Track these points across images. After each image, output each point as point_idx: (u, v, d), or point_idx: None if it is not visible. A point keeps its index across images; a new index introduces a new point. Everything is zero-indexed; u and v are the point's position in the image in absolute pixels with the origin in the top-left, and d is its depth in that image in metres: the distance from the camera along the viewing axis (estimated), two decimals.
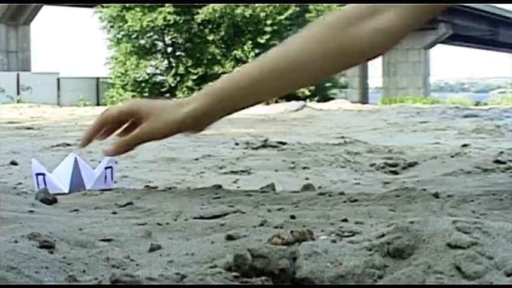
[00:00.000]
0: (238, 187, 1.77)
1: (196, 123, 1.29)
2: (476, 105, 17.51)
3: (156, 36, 22.83)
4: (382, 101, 26.47)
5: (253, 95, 1.27)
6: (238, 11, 21.13)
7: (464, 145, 3.12)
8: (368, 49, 1.19)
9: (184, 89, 21.63)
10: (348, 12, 1.21)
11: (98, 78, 23.90)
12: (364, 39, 1.17)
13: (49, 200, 1.30)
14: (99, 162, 1.66)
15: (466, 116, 8.23)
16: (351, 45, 1.18)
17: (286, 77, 1.22)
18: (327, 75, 1.25)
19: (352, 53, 1.19)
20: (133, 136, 1.31)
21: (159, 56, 23.19)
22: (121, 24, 21.66)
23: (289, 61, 1.21)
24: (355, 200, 1.30)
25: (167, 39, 23.00)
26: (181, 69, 21.87)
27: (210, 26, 22.03)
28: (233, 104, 1.27)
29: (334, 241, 0.72)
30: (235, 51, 21.52)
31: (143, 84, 22.55)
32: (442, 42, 36.23)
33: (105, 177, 1.59)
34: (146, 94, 21.99)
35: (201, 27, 22.29)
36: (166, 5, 21.19)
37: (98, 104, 21.04)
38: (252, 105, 1.28)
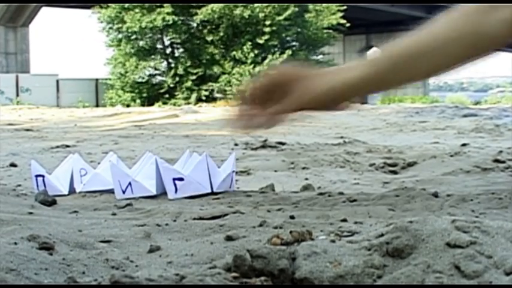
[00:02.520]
0: (237, 187, 1.77)
1: (354, 93, 1.21)
2: (476, 104, 17.51)
3: (155, 37, 22.83)
4: (381, 100, 26.48)
5: (408, 72, 1.22)
6: (237, 11, 21.14)
7: (464, 144, 3.12)
8: (499, 37, 1.22)
9: (184, 89, 21.64)
10: (476, 4, 1.23)
11: (97, 80, 23.91)
12: (496, 27, 1.20)
13: (48, 201, 1.30)
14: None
15: (465, 116, 8.22)
16: (485, 32, 1.20)
17: (437, 56, 1.21)
18: (461, 62, 1.25)
19: (486, 39, 1.21)
20: (285, 106, 1.21)
21: (158, 56, 23.20)
22: (120, 25, 21.67)
23: (437, 42, 1.21)
24: (355, 200, 1.30)
25: (166, 40, 23.01)
26: (180, 70, 21.88)
27: (209, 27, 22.03)
28: (394, 78, 1.22)
29: (333, 241, 0.72)
30: (234, 52, 21.52)
31: (142, 85, 22.56)
32: None
33: (231, 181, 1.52)
34: (145, 95, 22.00)
35: (200, 28, 22.30)
36: (165, 5, 21.20)
37: (97, 105, 21.04)
38: (399, 86, 1.26)
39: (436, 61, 1.24)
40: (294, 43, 23.28)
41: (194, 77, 21.75)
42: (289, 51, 21.57)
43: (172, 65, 22.59)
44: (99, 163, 1.70)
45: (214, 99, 21.62)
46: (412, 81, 1.26)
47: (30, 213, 1.15)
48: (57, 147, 3.44)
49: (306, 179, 1.91)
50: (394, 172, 2.16)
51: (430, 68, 1.25)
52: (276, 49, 22.27)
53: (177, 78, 21.98)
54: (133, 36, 22.20)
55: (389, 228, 0.70)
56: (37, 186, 1.52)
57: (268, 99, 1.22)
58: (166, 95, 22.13)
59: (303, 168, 2.21)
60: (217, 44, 22.08)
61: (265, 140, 3.54)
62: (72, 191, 1.53)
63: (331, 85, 1.18)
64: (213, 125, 6.45)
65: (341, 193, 1.42)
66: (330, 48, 27.76)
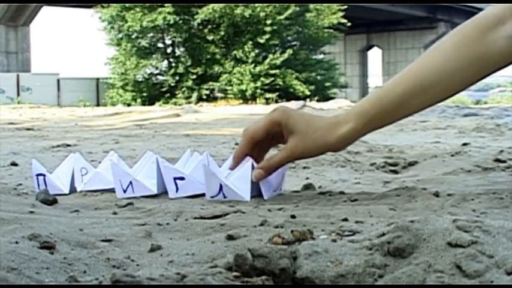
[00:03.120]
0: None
1: (345, 145, 1.27)
2: (476, 104, 17.51)
3: (156, 37, 22.84)
4: None
5: (400, 113, 1.25)
6: (238, 11, 21.15)
7: (465, 144, 3.12)
8: (510, 54, 1.20)
9: (184, 88, 21.65)
10: (479, 20, 1.22)
11: (97, 79, 23.94)
12: (503, 44, 1.18)
13: (49, 200, 1.30)
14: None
15: (466, 115, 8.22)
16: (491, 52, 1.19)
17: (432, 91, 1.21)
18: (470, 85, 1.24)
19: (493, 58, 1.20)
20: (279, 159, 1.28)
21: (159, 56, 23.21)
22: (121, 24, 21.68)
23: (432, 75, 1.21)
24: (356, 200, 1.30)
25: (167, 39, 23.02)
26: (181, 69, 21.89)
27: (209, 26, 22.05)
28: (381, 123, 1.26)
29: (334, 240, 0.72)
30: (235, 51, 21.53)
31: (143, 84, 22.58)
32: None
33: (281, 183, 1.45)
34: (146, 94, 22.00)
35: (201, 27, 22.31)
36: (166, 5, 21.21)
37: (98, 105, 21.05)
38: (390, 124, 1.28)
39: (440, 92, 1.25)
40: (294, 42, 23.29)
41: (195, 76, 21.77)
42: (290, 51, 21.57)
43: (173, 64, 22.62)
44: (100, 162, 1.70)
45: (215, 99, 21.64)
46: (409, 116, 1.27)
47: (31, 212, 1.15)
48: (58, 146, 3.44)
49: (307, 178, 1.91)
50: (395, 171, 2.15)
51: (433, 100, 1.26)
52: (276, 48, 22.29)
53: (178, 78, 22.01)
54: (134, 36, 22.22)
55: (390, 228, 0.70)
56: (38, 185, 1.52)
57: (261, 146, 1.32)
58: (167, 94, 22.16)
59: (304, 167, 2.21)
60: (218, 43, 22.10)
61: None
62: (73, 190, 1.53)
63: (323, 141, 1.24)
64: (214, 124, 6.45)
65: (342, 192, 1.42)
66: (331, 48, 27.78)
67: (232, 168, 1.34)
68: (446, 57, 1.21)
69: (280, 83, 21.21)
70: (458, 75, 1.21)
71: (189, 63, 21.71)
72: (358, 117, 1.24)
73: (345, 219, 1.03)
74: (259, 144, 1.34)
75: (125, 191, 1.42)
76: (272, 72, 21.08)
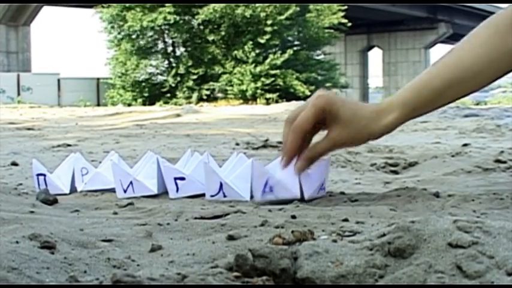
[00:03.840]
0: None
1: (386, 134, 1.27)
2: (477, 104, 17.49)
3: (156, 37, 22.84)
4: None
5: (437, 103, 1.27)
6: (239, 11, 21.15)
7: (465, 144, 3.12)
8: None
9: (185, 88, 21.65)
10: (509, 13, 1.24)
11: (98, 79, 23.94)
12: None
13: (50, 200, 1.30)
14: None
15: (466, 116, 8.21)
16: None
17: (469, 82, 1.24)
18: (497, 78, 1.26)
19: None
20: (322, 148, 1.25)
21: (159, 56, 23.22)
22: (121, 24, 21.68)
23: (471, 66, 1.23)
24: (356, 200, 1.30)
25: (167, 39, 23.02)
26: (181, 69, 21.89)
27: (210, 26, 22.05)
28: (420, 112, 1.28)
29: (335, 241, 0.72)
30: (235, 52, 21.53)
31: (143, 84, 22.58)
32: (443, 42, 36.23)
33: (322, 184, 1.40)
34: (146, 94, 22.00)
35: (202, 27, 22.31)
36: (167, 5, 21.20)
37: (98, 105, 21.06)
38: (427, 113, 1.31)
39: (477, 83, 1.28)
40: (295, 43, 23.28)
41: (195, 77, 21.77)
42: (290, 51, 21.57)
43: (174, 65, 22.62)
44: (100, 162, 1.70)
45: (216, 99, 21.64)
46: (444, 105, 1.30)
47: (32, 212, 1.15)
48: (59, 146, 3.44)
49: None
50: (396, 172, 2.15)
51: (469, 91, 1.29)
52: (277, 48, 22.28)
53: (178, 78, 22.00)
54: (135, 36, 22.22)
55: (391, 228, 0.70)
56: (38, 185, 1.52)
57: (307, 137, 1.26)
58: (168, 95, 22.16)
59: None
60: (219, 43, 22.09)
61: (267, 140, 3.54)
62: (73, 190, 1.53)
63: (367, 130, 1.24)
64: (214, 124, 6.45)
65: (342, 193, 1.42)
66: (331, 48, 27.77)
67: (285, 166, 1.26)
68: (482, 49, 1.23)
69: (281, 83, 21.22)
70: (494, 66, 1.23)
71: (189, 64, 21.71)
72: (401, 106, 1.25)
73: (346, 220, 1.03)
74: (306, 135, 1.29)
75: (125, 191, 1.42)
76: (272, 72, 21.09)
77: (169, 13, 21.01)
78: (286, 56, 21.24)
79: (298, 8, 21.66)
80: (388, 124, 1.25)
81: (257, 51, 21.31)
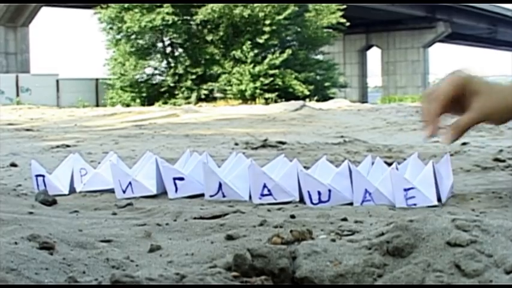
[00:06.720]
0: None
1: None
2: None
3: (155, 37, 22.82)
4: (382, 100, 26.47)
5: None
6: (237, 11, 21.13)
7: (464, 143, 3.12)
8: None
9: (184, 89, 21.64)
10: None
11: (97, 79, 23.90)
12: None
13: (49, 201, 1.30)
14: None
15: None
16: None
17: None
18: None
19: None
20: (468, 119, 1.24)
21: (158, 56, 23.19)
22: (120, 25, 21.65)
23: None
24: None
25: (166, 39, 23.00)
26: (180, 69, 21.87)
27: (208, 26, 22.03)
28: None
29: (333, 240, 0.72)
30: (234, 51, 21.51)
31: (142, 85, 22.55)
32: (441, 41, 36.25)
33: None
34: (145, 94, 21.99)
35: (200, 27, 22.29)
36: (165, 5, 21.18)
37: (97, 105, 21.03)
38: None
39: None
40: (293, 42, 23.27)
41: (194, 77, 21.75)
42: (289, 51, 21.56)
43: (172, 65, 22.60)
44: (99, 163, 1.70)
45: (214, 99, 21.62)
46: None
47: (31, 213, 1.15)
48: (58, 147, 3.44)
49: None
50: None
51: None
52: (275, 48, 22.27)
53: (177, 78, 21.99)
54: (133, 36, 22.19)
55: (389, 227, 0.70)
56: (37, 186, 1.52)
57: (446, 109, 1.25)
58: (166, 95, 22.14)
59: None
60: (217, 43, 22.07)
61: (266, 140, 3.54)
62: (72, 190, 1.53)
63: (510, 102, 1.20)
64: (213, 124, 6.45)
65: None
66: (330, 48, 27.75)
67: (430, 135, 1.29)
68: None
69: (280, 83, 21.21)
70: None
71: (188, 64, 21.69)
72: None
73: (344, 219, 1.03)
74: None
75: (124, 192, 1.42)
76: (271, 72, 21.08)
77: (167, 13, 20.98)
78: (285, 55, 21.23)
79: (296, 8, 21.65)
80: None
81: (256, 51, 21.29)
